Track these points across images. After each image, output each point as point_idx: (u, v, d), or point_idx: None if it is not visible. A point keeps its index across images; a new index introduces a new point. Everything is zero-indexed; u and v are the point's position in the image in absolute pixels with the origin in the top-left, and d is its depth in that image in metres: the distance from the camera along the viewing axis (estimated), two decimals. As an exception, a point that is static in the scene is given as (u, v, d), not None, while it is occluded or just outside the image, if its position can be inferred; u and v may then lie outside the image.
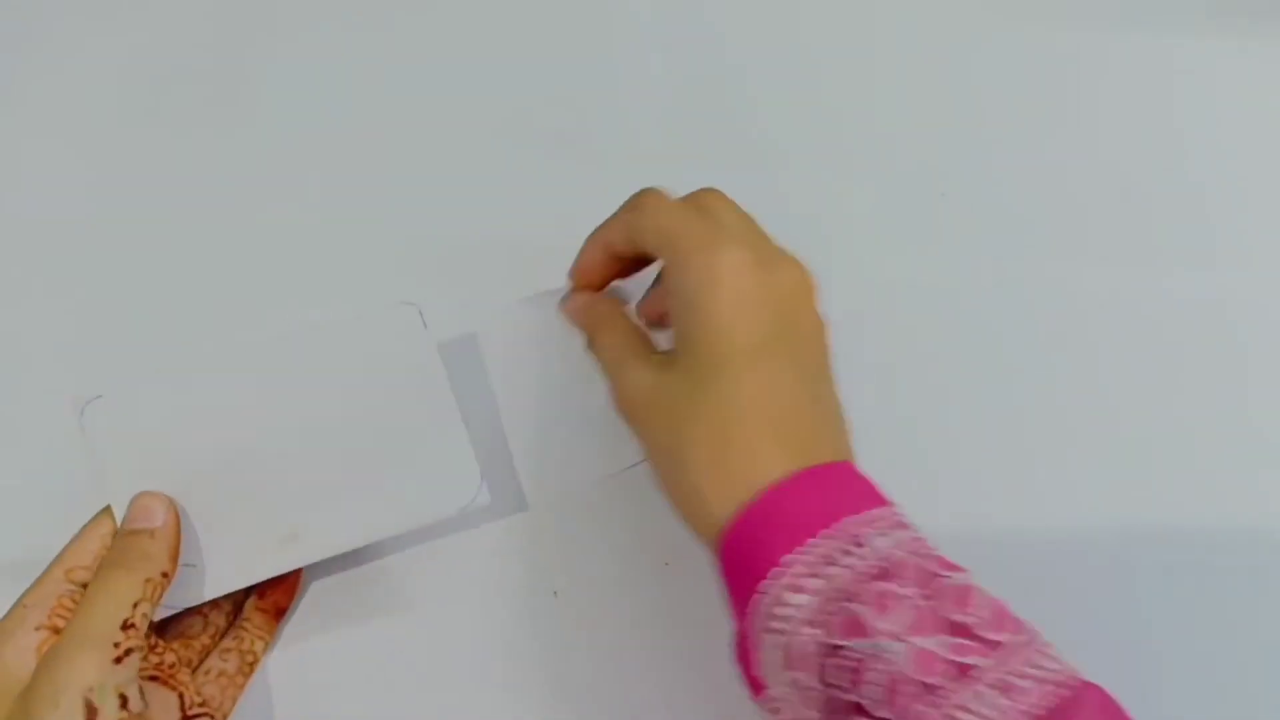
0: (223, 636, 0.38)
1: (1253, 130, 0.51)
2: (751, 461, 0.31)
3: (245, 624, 0.38)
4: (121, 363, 0.44)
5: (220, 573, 0.35)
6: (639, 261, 0.38)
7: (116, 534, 0.35)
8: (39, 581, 0.34)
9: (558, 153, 0.49)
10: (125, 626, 0.32)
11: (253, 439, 0.36)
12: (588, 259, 0.38)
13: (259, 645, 0.38)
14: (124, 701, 0.31)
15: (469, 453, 0.37)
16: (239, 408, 0.36)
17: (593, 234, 0.38)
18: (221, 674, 0.37)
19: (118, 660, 0.31)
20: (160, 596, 0.34)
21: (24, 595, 0.34)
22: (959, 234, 0.48)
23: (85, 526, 0.35)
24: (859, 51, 0.52)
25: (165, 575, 0.34)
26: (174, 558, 0.35)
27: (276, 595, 0.39)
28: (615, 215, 0.37)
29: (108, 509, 0.35)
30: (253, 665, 0.38)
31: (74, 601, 0.34)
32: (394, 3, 0.52)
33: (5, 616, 0.34)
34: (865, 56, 0.52)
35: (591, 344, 0.38)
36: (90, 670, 0.31)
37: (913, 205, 0.49)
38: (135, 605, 0.33)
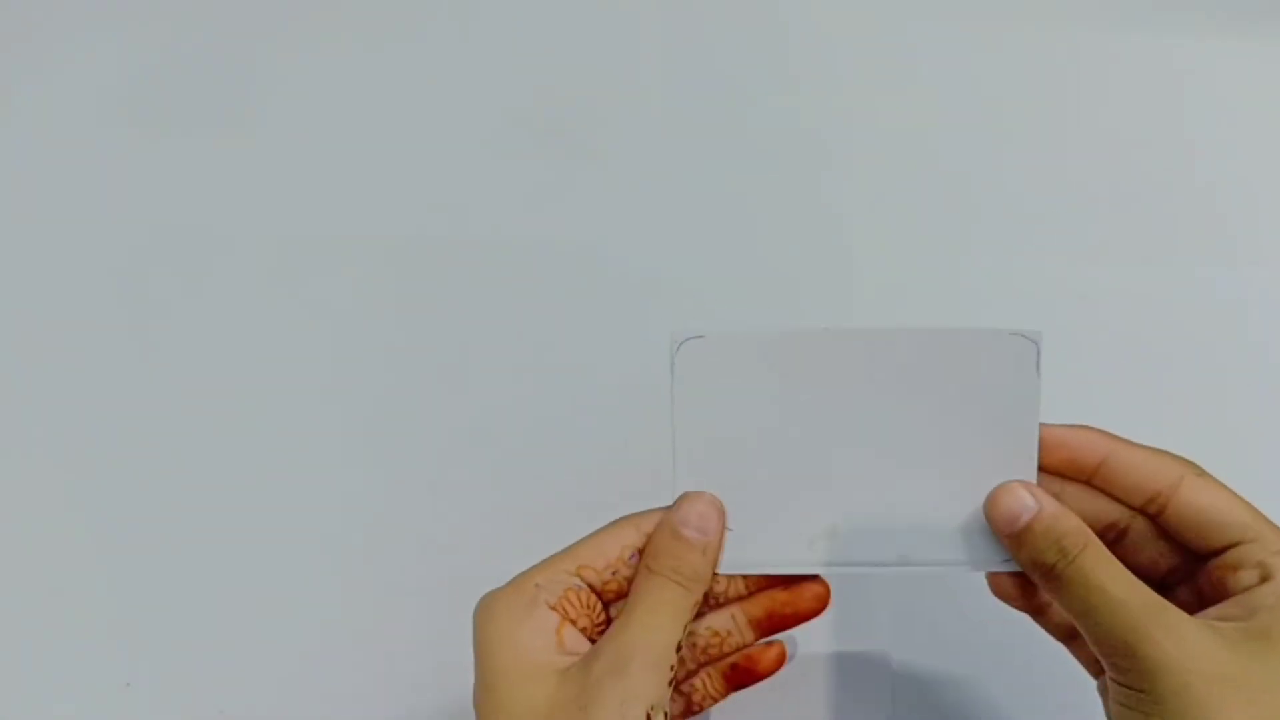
0: (685, 679, 0.36)
1: (1257, 130, 0.51)
2: None
3: (705, 677, 0.36)
4: (121, 365, 0.44)
5: (748, 553, 0.33)
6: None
7: (666, 529, 0.32)
8: (549, 564, 0.32)
9: (557, 153, 0.49)
10: (677, 649, 0.31)
11: (822, 424, 0.33)
12: (1083, 446, 0.33)
13: (707, 702, 0.36)
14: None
15: None
16: (821, 387, 0.33)
17: (1099, 431, 0.33)
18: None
19: (669, 683, 0.30)
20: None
21: (532, 572, 0.32)
22: (959, 234, 0.48)
23: (607, 529, 0.33)
24: (858, 51, 0.52)
25: (700, 601, 0.32)
26: (710, 579, 0.33)
27: (751, 670, 0.36)
28: (1144, 447, 0.33)
29: (632, 521, 0.33)
30: (694, 714, 0.36)
31: (580, 599, 0.32)
32: (394, 4, 0.52)
33: (512, 588, 0.32)
34: (864, 56, 0.52)
35: (1067, 560, 0.30)
36: (653, 688, 0.30)
37: (914, 206, 0.49)
38: (685, 627, 0.31)
